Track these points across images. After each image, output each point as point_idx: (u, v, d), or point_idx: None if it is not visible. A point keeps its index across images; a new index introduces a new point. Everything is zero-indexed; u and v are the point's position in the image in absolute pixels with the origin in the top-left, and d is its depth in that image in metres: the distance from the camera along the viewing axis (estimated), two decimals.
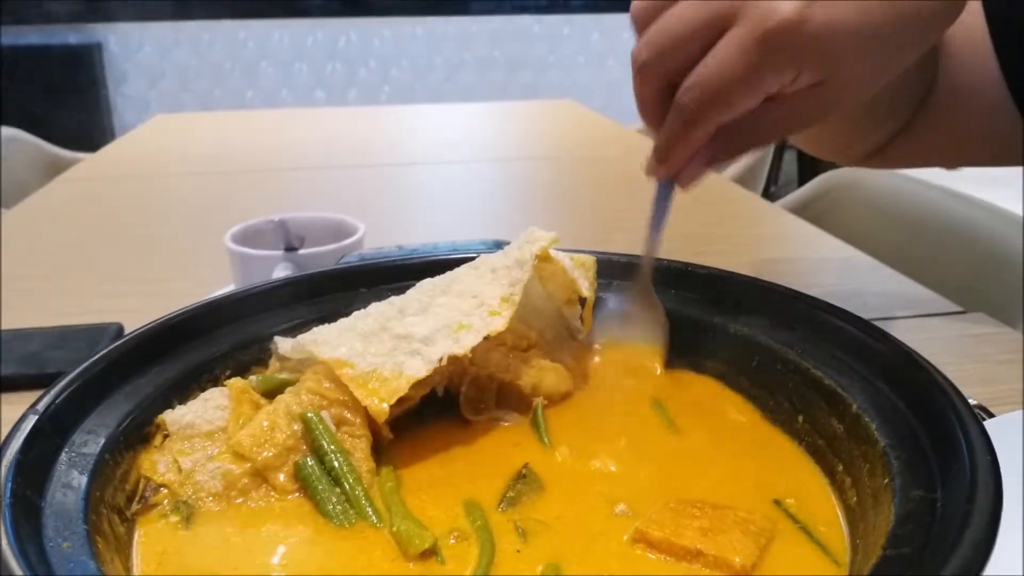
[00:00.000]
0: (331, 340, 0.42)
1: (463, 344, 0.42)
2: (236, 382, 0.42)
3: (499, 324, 0.43)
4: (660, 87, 0.45)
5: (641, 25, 0.46)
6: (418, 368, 0.41)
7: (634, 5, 0.46)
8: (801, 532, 0.36)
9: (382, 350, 0.41)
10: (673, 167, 0.47)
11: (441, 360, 0.41)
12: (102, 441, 0.36)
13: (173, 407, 0.41)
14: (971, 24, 0.62)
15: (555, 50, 3.60)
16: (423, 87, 3.59)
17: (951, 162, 0.72)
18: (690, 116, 0.44)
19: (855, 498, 0.36)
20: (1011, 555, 0.37)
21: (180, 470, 0.38)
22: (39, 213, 1.19)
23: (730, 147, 0.47)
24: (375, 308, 0.45)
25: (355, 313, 0.45)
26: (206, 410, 0.40)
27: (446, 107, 2.36)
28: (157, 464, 0.38)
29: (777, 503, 0.38)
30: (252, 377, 0.44)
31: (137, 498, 0.37)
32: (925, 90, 0.63)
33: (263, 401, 0.41)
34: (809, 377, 0.43)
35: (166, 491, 0.38)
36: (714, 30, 0.43)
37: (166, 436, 0.40)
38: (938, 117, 0.64)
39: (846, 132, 0.65)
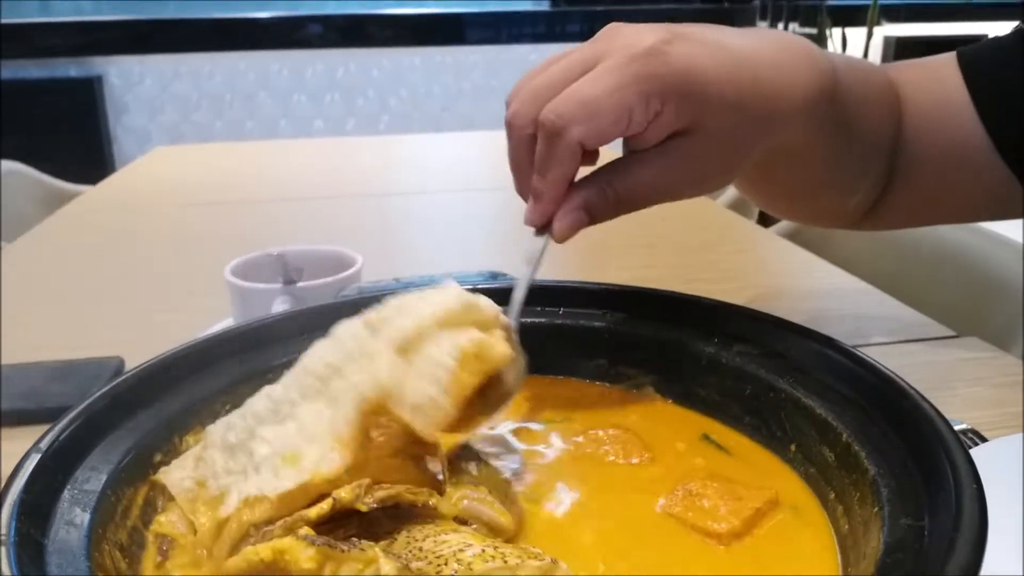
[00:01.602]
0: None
1: (277, 485, 0.35)
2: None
3: (333, 465, 0.35)
4: (528, 136, 0.46)
5: (512, 95, 0.47)
6: (229, 505, 0.36)
7: (511, 92, 0.48)
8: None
9: (236, 467, 0.37)
10: (544, 205, 0.46)
11: (245, 501, 0.35)
12: (104, 478, 0.37)
13: (174, 443, 0.42)
14: (942, 87, 0.62)
15: None
16: (421, 116, 3.62)
17: (951, 221, 0.73)
18: (549, 128, 0.44)
19: (847, 526, 0.37)
20: (1011, 555, 0.37)
21: (196, 531, 0.38)
22: (40, 246, 1.20)
23: (600, 194, 0.46)
24: (250, 408, 0.40)
25: (236, 413, 0.40)
26: (197, 472, 0.39)
27: (444, 136, 2.38)
28: (175, 523, 0.38)
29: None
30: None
31: (158, 552, 0.38)
32: (886, 156, 0.62)
33: None
34: (801, 406, 0.43)
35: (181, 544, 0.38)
36: (581, 73, 0.44)
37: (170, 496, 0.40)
38: (924, 178, 0.63)
39: (816, 195, 0.64)
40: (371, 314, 0.40)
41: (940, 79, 0.63)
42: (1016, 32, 0.62)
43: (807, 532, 0.39)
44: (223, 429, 0.39)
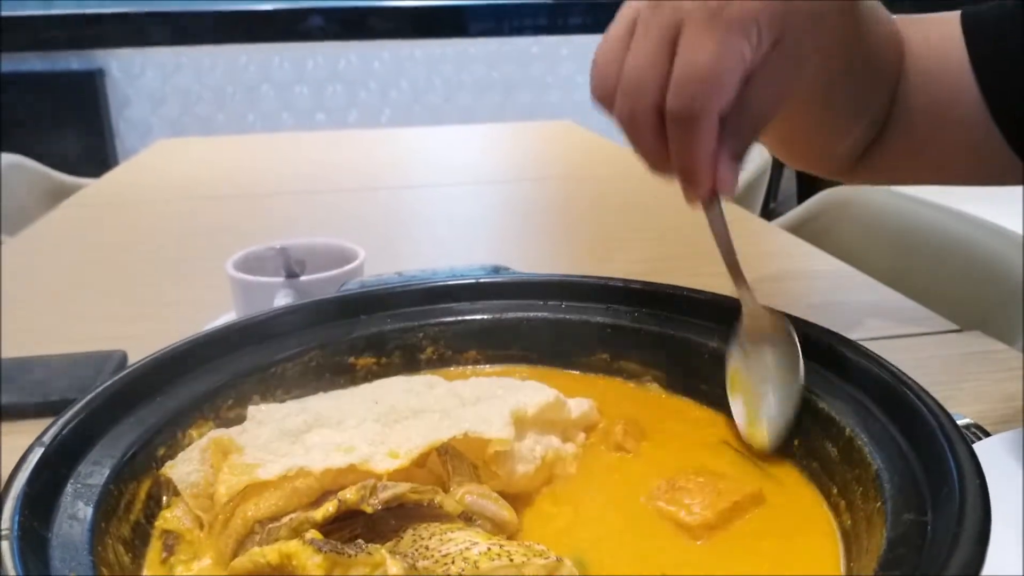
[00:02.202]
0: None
1: (327, 462, 0.38)
2: (219, 441, 0.41)
3: (383, 467, 0.38)
4: (654, 124, 0.45)
5: (607, 92, 0.47)
6: (268, 471, 0.38)
7: (593, 83, 0.48)
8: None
9: (283, 449, 0.40)
10: (704, 179, 0.46)
11: (287, 471, 0.37)
12: (107, 472, 0.37)
13: (176, 438, 0.42)
14: (943, 45, 0.63)
15: (553, 71, 3.63)
16: (423, 108, 3.61)
17: (938, 178, 0.73)
18: (688, 116, 0.43)
19: (850, 521, 0.37)
20: (1011, 555, 0.37)
21: (202, 526, 0.38)
22: (42, 240, 1.20)
23: (740, 136, 0.46)
24: (312, 406, 0.44)
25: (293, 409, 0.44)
26: (204, 466, 0.40)
27: (446, 129, 2.38)
28: (181, 519, 0.39)
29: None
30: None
31: (163, 548, 0.38)
32: (886, 94, 0.64)
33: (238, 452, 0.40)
34: (804, 400, 0.43)
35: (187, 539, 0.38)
36: (671, 43, 0.44)
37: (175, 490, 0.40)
38: (915, 128, 0.65)
39: (815, 133, 0.65)
40: (462, 385, 0.46)
41: (943, 37, 0.64)
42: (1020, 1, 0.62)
43: (797, 527, 0.39)
44: (280, 415, 0.42)
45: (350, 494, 0.35)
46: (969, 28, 0.63)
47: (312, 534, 0.33)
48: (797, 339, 0.45)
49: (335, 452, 0.39)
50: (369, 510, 0.35)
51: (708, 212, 0.48)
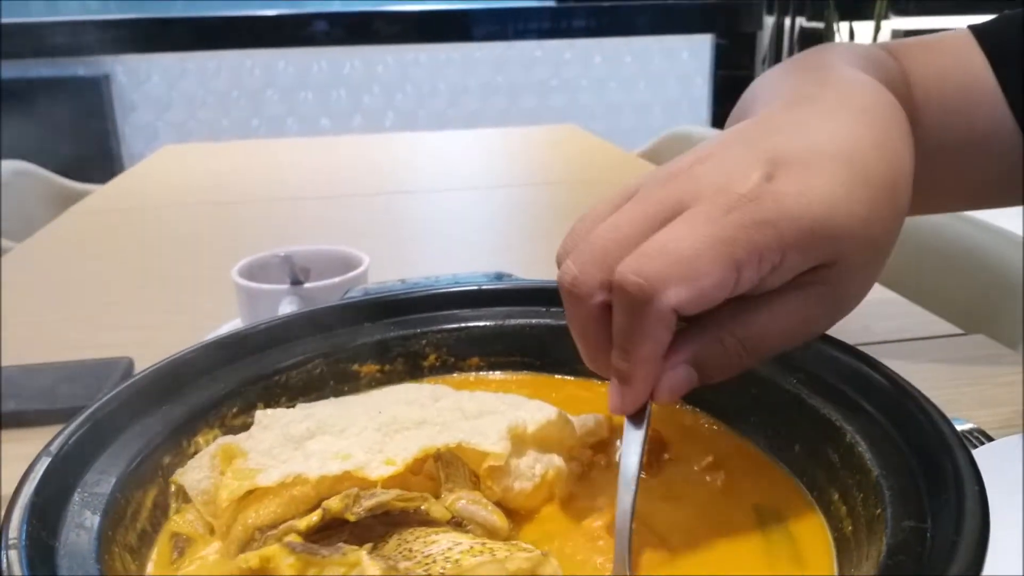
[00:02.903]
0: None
1: (323, 469, 0.38)
2: (227, 448, 0.41)
3: (378, 473, 0.38)
4: (601, 302, 0.36)
5: (567, 251, 0.38)
6: (268, 477, 0.38)
7: (564, 241, 0.39)
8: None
9: (285, 455, 0.40)
10: (638, 386, 0.36)
11: (285, 478, 0.37)
12: (113, 481, 0.37)
13: (182, 446, 0.42)
14: (965, 73, 0.60)
15: (557, 74, 3.64)
16: (427, 113, 3.62)
17: (972, 206, 0.70)
18: (638, 294, 0.33)
19: (850, 527, 0.37)
20: (1014, 560, 0.37)
21: (212, 532, 0.39)
22: (48, 246, 1.21)
23: (721, 349, 0.37)
24: (316, 412, 0.44)
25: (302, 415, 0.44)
26: (214, 472, 0.41)
27: (450, 134, 2.38)
28: (193, 523, 0.39)
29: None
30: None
31: (173, 550, 0.38)
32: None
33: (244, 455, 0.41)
34: (805, 406, 0.43)
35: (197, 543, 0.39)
36: (664, 221, 0.35)
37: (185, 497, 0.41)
38: (941, 165, 0.60)
39: None
40: (467, 398, 0.46)
41: (960, 63, 0.60)
42: None
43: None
44: (285, 420, 0.42)
45: (334, 503, 0.35)
46: (989, 46, 0.59)
47: (292, 537, 0.34)
48: None
49: (332, 459, 0.39)
50: (352, 518, 0.35)
51: (629, 428, 0.38)
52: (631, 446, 0.37)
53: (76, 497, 0.36)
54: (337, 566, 0.32)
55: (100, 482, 0.37)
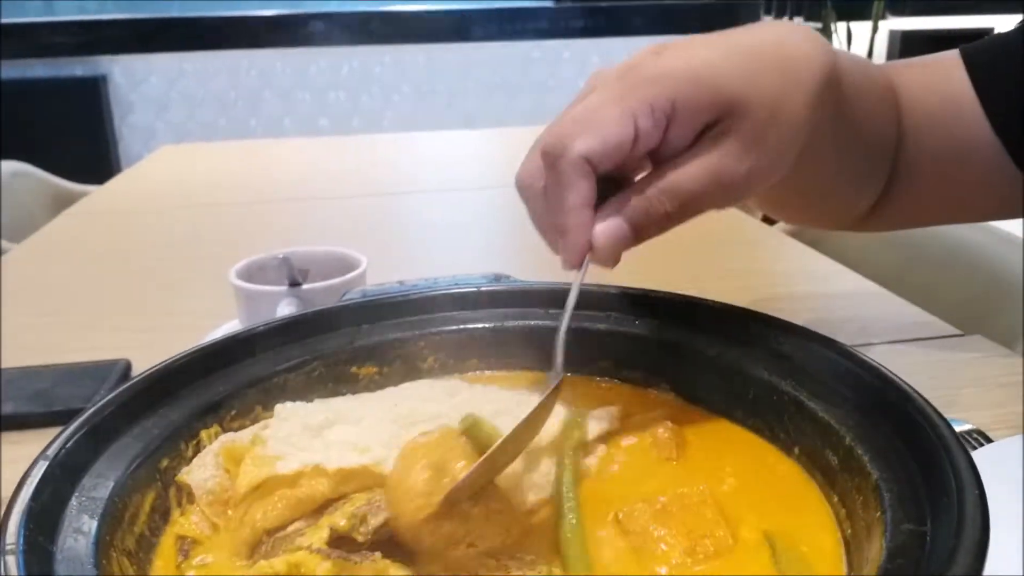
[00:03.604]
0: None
1: (340, 461, 0.39)
2: (230, 447, 0.42)
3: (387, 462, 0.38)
4: (543, 186, 0.43)
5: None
6: (286, 465, 0.39)
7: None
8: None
9: (304, 444, 0.40)
10: (573, 234, 0.41)
11: (306, 466, 0.38)
12: (111, 484, 0.37)
13: (180, 450, 0.42)
14: (948, 87, 0.62)
15: (555, 74, 3.64)
16: (425, 114, 3.62)
17: (956, 219, 0.72)
18: (552, 151, 0.41)
19: (850, 530, 0.37)
20: (1014, 562, 0.37)
21: (218, 532, 0.39)
22: (46, 248, 1.20)
23: (648, 204, 0.42)
24: (333, 405, 0.45)
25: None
26: (219, 471, 0.41)
27: (448, 134, 2.38)
28: (198, 524, 0.39)
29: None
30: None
31: (178, 552, 0.38)
32: (886, 161, 0.62)
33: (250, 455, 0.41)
34: (804, 409, 0.43)
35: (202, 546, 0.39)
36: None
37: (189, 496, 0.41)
38: (926, 176, 0.63)
39: (814, 203, 0.63)
40: (481, 394, 0.47)
41: (945, 79, 0.62)
42: (1021, 28, 0.62)
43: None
44: (303, 412, 0.43)
45: (342, 521, 0.36)
46: (973, 64, 0.61)
47: (320, 543, 0.35)
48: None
49: (351, 451, 0.40)
50: (360, 539, 0.36)
51: (574, 280, 0.43)
52: (573, 287, 0.43)
53: (74, 501, 0.36)
54: (369, 570, 0.33)
55: (98, 486, 0.37)
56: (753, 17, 3.52)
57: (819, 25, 3.32)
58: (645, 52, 0.44)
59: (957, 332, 0.78)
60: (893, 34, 3.73)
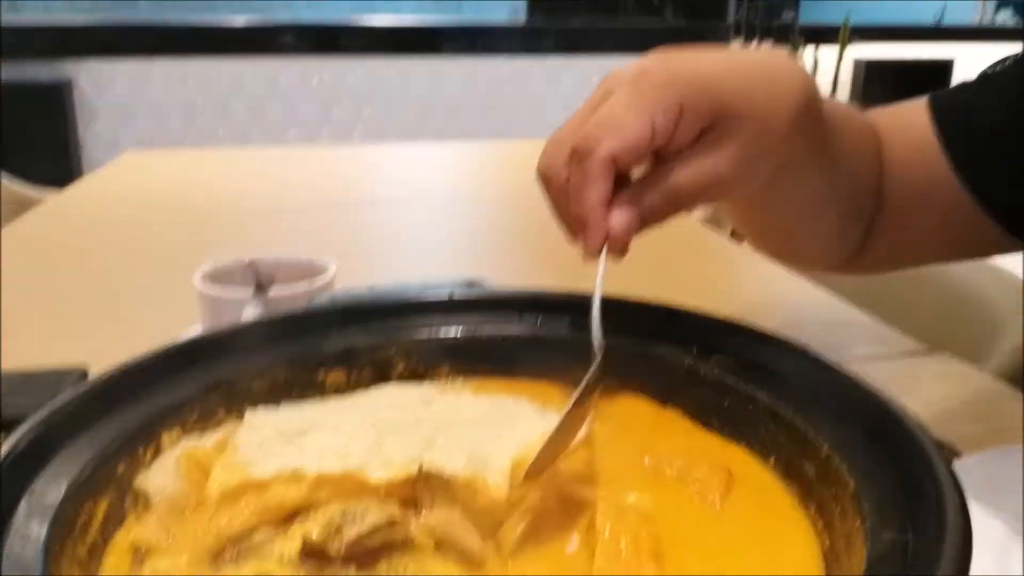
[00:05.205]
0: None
1: (320, 466, 0.37)
2: (192, 453, 0.41)
3: (377, 475, 0.37)
4: (566, 179, 0.46)
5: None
6: (262, 470, 0.37)
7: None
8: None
9: (278, 451, 0.39)
10: (593, 223, 0.45)
11: (283, 470, 0.37)
12: (63, 490, 0.35)
13: (138, 454, 0.40)
14: (914, 132, 0.64)
15: (525, 91, 3.65)
16: (396, 126, 3.60)
17: (928, 261, 0.73)
18: (582, 149, 0.45)
19: (828, 541, 0.37)
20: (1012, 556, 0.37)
21: (175, 537, 0.37)
22: (2, 253, 1.17)
23: (656, 193, 0.47)
24: (307, 412, 0.44)
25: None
26: (179, 477, 0.39)
27: (420, 145, 2.37)
28: (153, 531, 0.38)
29: None
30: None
31: (133, 560, 0.37)
32: (870, 195, 0.64)
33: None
34: (779, 418, 0.43)
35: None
36: (603, 102, 0.47)
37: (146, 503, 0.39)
38: (897, 219, 0.65)
39: (798, 236, 0.65)
40: (456, 403, 0.46)
41: (911, 125, 0.64)
42: (981, 77, 0.63)
43: None
44: (275, 419, 0.42)
45: (315, 533, 0.34)
46: (936, 107, 0.63)
47: (290, 555, 0.33)
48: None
49: (331, 457, 0.38)
50: (333, 554, 0.34)
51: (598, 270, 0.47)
52: (598, 279, 0.46)
53: (23, 507, 0.34)
54: None
55: (49, 492, 0.35)
56: (723, 40, 3.58)
57: (787, 50, 3.39)
58: (655, 57, 0.49)
59: (924, 349, 0.79)
60: (858, 64, 3.82)
